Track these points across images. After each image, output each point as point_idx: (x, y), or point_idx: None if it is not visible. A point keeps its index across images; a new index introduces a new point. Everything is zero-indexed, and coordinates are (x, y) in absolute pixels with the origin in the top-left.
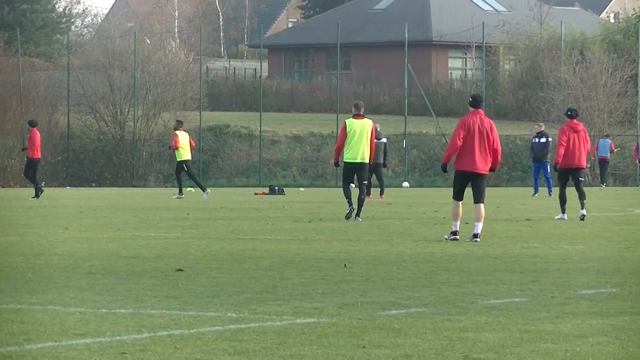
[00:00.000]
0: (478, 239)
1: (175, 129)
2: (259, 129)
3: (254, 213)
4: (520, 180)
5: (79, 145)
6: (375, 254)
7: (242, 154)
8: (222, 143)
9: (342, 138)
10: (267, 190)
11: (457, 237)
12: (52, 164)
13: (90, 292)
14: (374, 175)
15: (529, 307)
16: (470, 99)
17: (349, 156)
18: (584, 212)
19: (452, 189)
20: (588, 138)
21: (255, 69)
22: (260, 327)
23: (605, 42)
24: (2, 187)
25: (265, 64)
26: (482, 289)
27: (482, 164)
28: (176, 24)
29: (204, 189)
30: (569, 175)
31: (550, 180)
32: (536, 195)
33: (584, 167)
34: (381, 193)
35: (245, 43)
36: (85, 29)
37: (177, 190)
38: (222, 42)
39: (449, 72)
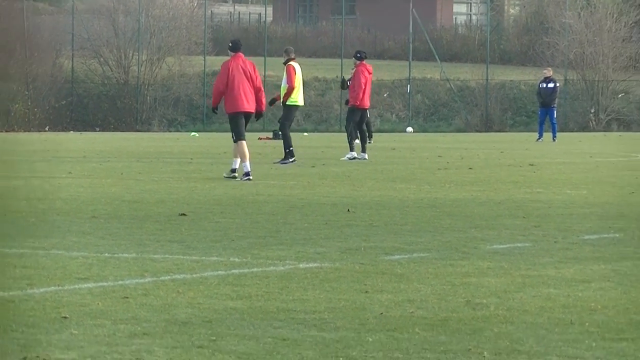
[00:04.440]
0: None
1: None
2: (264, 73)
3: (257, 158)
4: (524, 125)
5: (82, 90)
6: (378, 199)
7: None
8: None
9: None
10: (270, 135)
11: (251, 177)
12: (56, 109)
13: (93, 237)
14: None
15: (531, 252)
16: (230, 44)
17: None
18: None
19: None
20: None
21: (260, 13)
22: (262, 272)
23: None
24: (6, 131)
25: (269, 9)
26: (485, 234)
27: (251, 104)
28: None
29: None
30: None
31: (556, 125)
32: (540, 140)
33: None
34: None
35: None
36: None
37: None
38: None
39: (454, 17)
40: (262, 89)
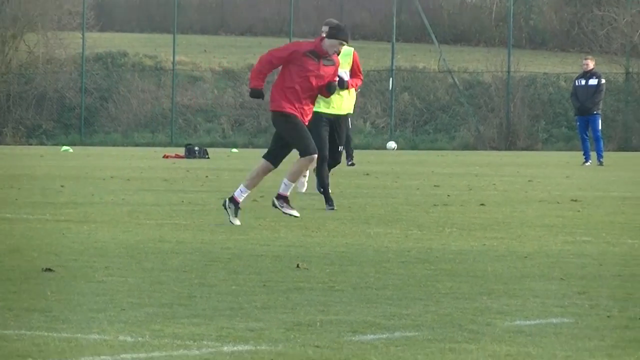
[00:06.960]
0: None
1: None
2: (172, 59)
3: (161, 185)
4: (565, 140)
5: None
6: (343, 250)
7: (146, 97)
8: (116, 80)
9: None
10: (182, 151)
11: None
12: None
13: None
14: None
15: (573, 331)
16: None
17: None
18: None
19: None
20: None
21: None
22: (167, 358)
23: None
24: None
25: None
26: (504, 304)
27: None
28: None
29: None
30: None
31: (601, 141)
32: (588, 164)
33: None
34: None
35: None
36: None
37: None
38: None
39: None
40: None
